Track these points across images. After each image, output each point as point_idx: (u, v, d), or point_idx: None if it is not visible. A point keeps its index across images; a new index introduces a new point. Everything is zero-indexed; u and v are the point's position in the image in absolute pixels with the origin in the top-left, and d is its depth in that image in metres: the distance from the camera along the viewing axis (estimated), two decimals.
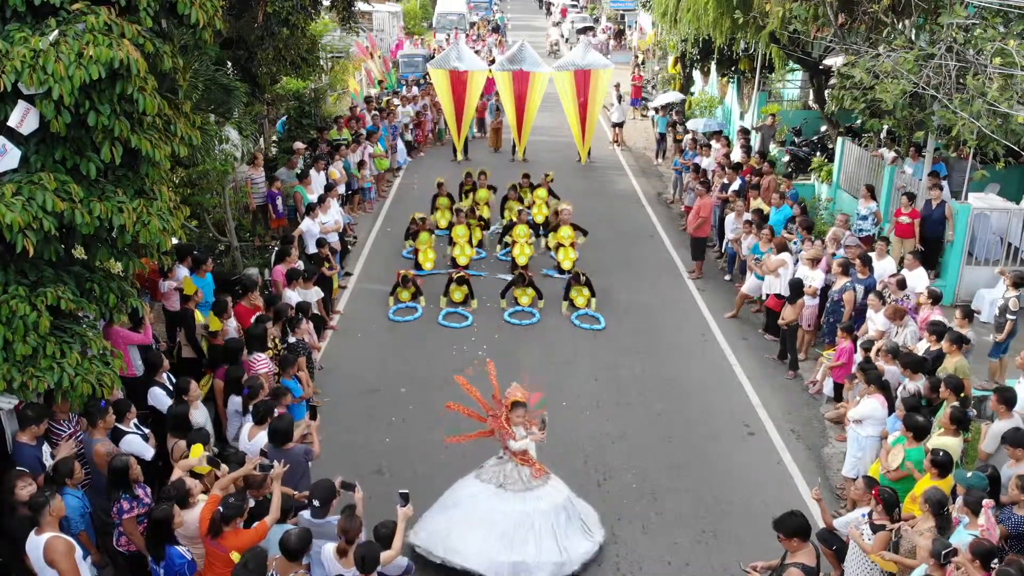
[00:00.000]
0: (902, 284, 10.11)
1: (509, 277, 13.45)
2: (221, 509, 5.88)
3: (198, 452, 6.51)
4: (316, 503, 6.22)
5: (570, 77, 19.26)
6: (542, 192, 15.91)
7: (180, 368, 9.12)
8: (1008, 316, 9.81)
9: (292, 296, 10.38)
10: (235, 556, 5.68)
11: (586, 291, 12.80)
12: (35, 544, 5.69)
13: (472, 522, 7.23)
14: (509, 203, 15.79)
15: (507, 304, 12.82)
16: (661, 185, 20.36)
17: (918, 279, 10.57)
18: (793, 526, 5.83)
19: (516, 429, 7.37)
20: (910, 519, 6.43)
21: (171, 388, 8.00)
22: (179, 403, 7.54)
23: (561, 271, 13.96)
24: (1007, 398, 7.50)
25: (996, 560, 5.50)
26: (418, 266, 14.02)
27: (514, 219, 14.33)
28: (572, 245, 14.06)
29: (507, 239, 14.37)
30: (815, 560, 5.82)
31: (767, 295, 11.95)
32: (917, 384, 8.27)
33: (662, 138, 22.34)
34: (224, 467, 6.60)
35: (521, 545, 7.08)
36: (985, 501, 6.00)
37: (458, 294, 12.84)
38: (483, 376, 7.80)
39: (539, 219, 15.56)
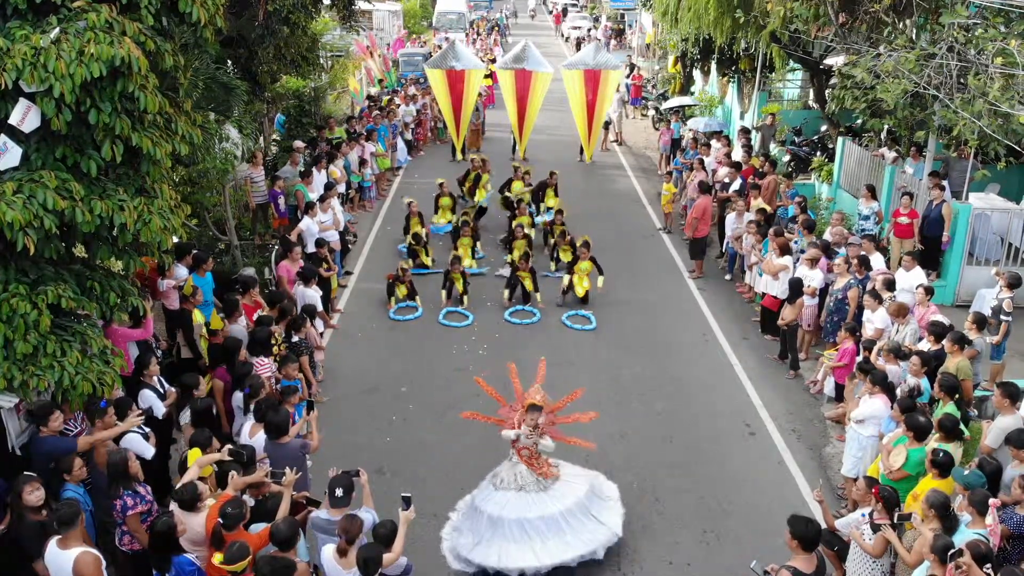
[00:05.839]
0: (891, 285, 10.09)
1: (508, 273, 13.44)
2: (220, 520, 5.83)
3: (196, 455, 6.50)
4: (339, 492, 6.21)
5: (579, 76, 19.21)
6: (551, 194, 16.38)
7: (180, 368, 9.12)
8: (1002, 318, 9.78)
9: (313, 295, 10.41)
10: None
11: (587, 264, 12.92)
12: (61, 557, 5.54)
13: (510, 538, 7.30)
14: (513, 185, 16.21)
15: (509, 297, 12.80)
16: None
17: (915, 279, 10.55)
18: (800, 531, 5.79)
19: (523, 430, 7.42)
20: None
21: (162, 391, 7.99)
22: (197, 399, 7.65)
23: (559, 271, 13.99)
24: (1011, 393, 7.47)
25: (988, 564, 5.48)
26: (417, 264, 14.02)
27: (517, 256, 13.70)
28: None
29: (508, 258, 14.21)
30: (812, 569, 5.76)
31: (763, 294, 11.95)
32: (916, 380, 8.25)
33: (675, 143, 20.85)
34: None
35: (559, 549, 7.23)
36: (992, 500, 6.00)
37: (459, 283, 12.85)
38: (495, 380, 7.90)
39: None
